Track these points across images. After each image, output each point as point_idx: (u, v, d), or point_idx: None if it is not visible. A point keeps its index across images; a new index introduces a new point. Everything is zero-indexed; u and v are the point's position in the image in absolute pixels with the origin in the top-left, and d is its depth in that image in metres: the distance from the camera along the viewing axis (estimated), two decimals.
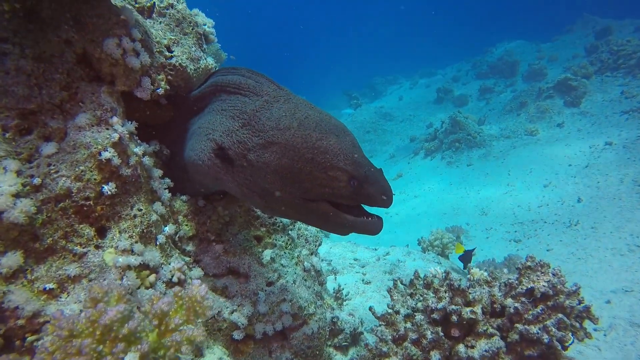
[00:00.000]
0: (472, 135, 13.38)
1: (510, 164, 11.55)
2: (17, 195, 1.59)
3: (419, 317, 1.96)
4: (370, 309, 2.27)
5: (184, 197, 2.60)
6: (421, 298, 2.14)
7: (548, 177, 10.21)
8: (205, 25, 3.25)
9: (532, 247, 7.63)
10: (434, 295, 2.02)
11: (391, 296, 2.30)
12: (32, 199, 1.65)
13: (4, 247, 1.58)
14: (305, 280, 2.89)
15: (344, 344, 2.90)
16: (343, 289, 3.76)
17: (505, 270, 2.13)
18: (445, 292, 1.98)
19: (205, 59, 2.64)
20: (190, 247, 2.58)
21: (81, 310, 1.17)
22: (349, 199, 1.72)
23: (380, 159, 17.46)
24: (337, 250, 5.08)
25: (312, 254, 3.11)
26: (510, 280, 2.01)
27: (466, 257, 6.05)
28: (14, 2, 1.74)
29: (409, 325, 2.03)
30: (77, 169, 1.74)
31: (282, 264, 2.79)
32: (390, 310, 2.20)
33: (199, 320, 1.41)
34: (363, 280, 4.34)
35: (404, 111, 21.48)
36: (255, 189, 1.91)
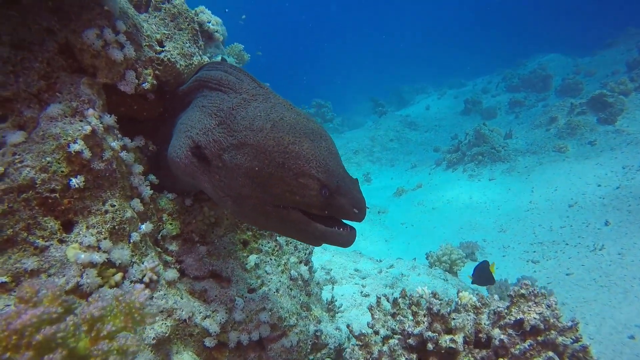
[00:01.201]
0: (497, 148, 12.93)
1: (534, 180, 11.07)
2: None
3: (393, 341, 1.81)
4: (347, 326, 2.13)
5: (170, 195, 2.54)
6: (402, 319, 1.98)
7: (574, 196, 9.71)
8: (209, 22, 3.21)
9: (550, 270, 7.23)
10: (412, 318, 1.86)
11: (372, 314, 2.15)
12: None
13: None
14: (290, 289, 2.77)
15: (326, 359, 2.75)
16: (337, 300, 3.62)
17: (496, 297, 1.94)
18: (425, 316, 1.82)
19: (200, 55, 2.58)
20: (173, 247, 2.51)
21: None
22: (319, 209, 1.61)
23: (402, 169, 17.17)
24: (339, 259, 4.93)
25: (301, 262, 2.99)
26: (499, 309, 1.83)
27: (482, 274, 5.38)
28: None
29: (384, 348, 1.88)
30: (43, 160, 1.69)
31: (266, 271, 2.69)
32: (368, 330, 2.06)
33: (141, 327, 1.32)
34: (362, 293, 4.18)
35: (429, 121, 21.08)
36: (230, 192, 1.82)
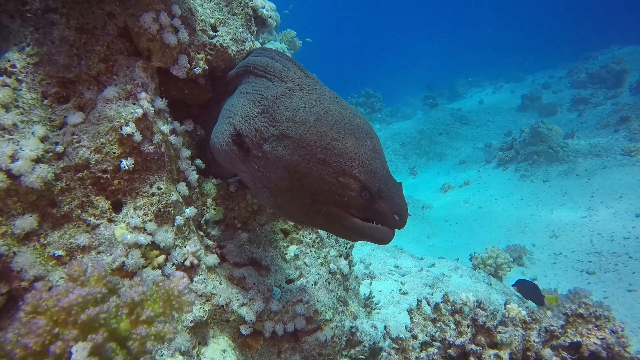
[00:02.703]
0: (554, 148, 12.08)
1: (595, 185, 10.23)
2: (37, 161, 1.63)
3: (433, 350, 1.72)
4: (385, 328, 2.07)
5: (215, 181, 2.58)
6: (442, 327, 1.88)
7: None
8: (263, 8, 3.18)
9: (608, 283, 6.68)
10: (455, 327, 1.76)
11: (411, 318, 2.06)
12: (53, 165, 1.69)
13: (22, 209, 1.63)
14: (328, 283, 2.74)
15: (360, 357, 2.71)
16: (375, 296, 3.55)
17: (549, 313, 1.79)
18: (468, 327, 1.71)
19: (252, 41, 2.56)
20: (215, 232, 2.55)
21: (50, 288, 1.13)
22: (358, 210, 1.54)
23: (449, 164, 16.57)
24: (379, 254, 4.84)
25: (341, 256, 2.95)
26: (552, 327, 1.68)
27: (528, 289, 5.15)
28: None
29: (422, 355, 1.79)
30: (97, 141, 1.75)
31: (305, 263, 2.67)
32: (406, 334, 1.98)
33: (177, 314, 1.33)
34: (400, 290, 4.08)
35: (482, 116, 20.09)
36: (267, 184, 1.79)
